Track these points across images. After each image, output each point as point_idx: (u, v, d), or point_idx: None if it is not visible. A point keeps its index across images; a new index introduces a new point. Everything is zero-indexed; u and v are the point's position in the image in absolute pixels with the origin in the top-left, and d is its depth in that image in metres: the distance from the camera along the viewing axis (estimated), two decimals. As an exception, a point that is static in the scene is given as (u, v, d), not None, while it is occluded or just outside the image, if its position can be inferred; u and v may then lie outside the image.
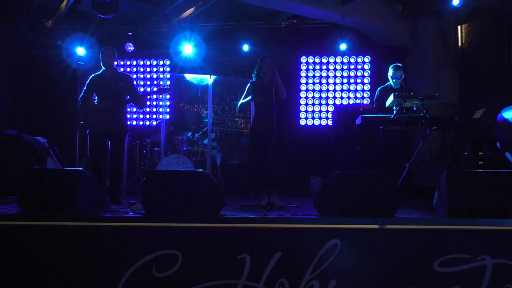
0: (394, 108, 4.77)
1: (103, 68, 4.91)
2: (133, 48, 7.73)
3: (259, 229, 3.18)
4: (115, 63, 4.97)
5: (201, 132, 7.11)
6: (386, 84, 5.67)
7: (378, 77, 7.38)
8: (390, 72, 5.55)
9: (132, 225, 3.23)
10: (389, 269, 3.07)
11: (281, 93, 4.84)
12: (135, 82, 5.19)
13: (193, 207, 3.38)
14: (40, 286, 3.14)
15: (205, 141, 6.95)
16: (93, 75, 4.99)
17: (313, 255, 3.07)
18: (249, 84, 5.01)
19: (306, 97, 7.78)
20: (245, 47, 7.69)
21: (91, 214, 3.47)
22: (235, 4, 6.94)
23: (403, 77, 5.56)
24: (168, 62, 8.07)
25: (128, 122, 5.20)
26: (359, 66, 7.71)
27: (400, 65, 5.60)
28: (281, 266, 3.07)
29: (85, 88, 4.93)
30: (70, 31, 7.51)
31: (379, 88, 5.70)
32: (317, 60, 7.79)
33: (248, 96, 4.97)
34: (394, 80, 5.51)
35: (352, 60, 7.73)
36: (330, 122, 7.51)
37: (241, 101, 5.05)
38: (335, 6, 6.73)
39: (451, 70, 7.34)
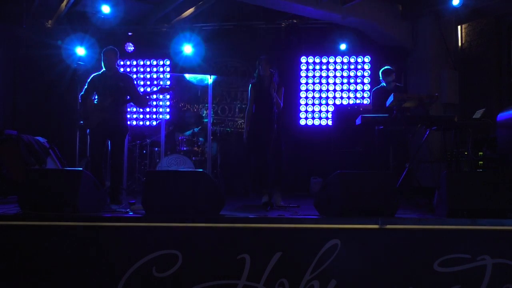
0: (394, 108, 4.77)
1: (104, 68, 4.90)
2: (133, 48, 7.72)
3: (259, 229, 3.18)
4: (121, 62, 4.95)
5: (200, 127, 7.07)
6: (380, 85, 5.68)
7: (378, 77, 7.37)
8: (381, 77, 5.57)
9: (132, 225, 3.23)
10: (389, 269, 3.07)
11: (277, 105, 4.76)
12: (135, 82, 5.19)
13: (193, 207, 3.39)
14: (40, 286, 3.14)
15: (201, 139, 6.94)
16: (94, 74, 4.98)
17: (313, 255, 3.07)
18: (250, 86, 5.00)
19: (306, 97, 7.77)
20: (246, 47, 7.68)
21: (91, 214, 3.47)
22: (235, 4, 6.94)
23: (395, 78, 5.56)
24: (168, 62, 8.07)
25: (128, 122, 5.19)
26: (359, 66, 7.70)
27: (390, 68, 5.58)
28: (281, 266, 3.07)
29: (85, 87, 4.93)
30: (70, 31, 7.51)
31: (373, 90, 5.72)
32: (317, 60, 7.79)
33: (253, 100, 4.96)
34: (386, 83, 5.53)
35: (352, 60, 7.72)
36: (330, 122, 7.50)
37: (249, 107, 5.04)
38: (335, 6, 6.72)
39: (451, 70, 7.33)
